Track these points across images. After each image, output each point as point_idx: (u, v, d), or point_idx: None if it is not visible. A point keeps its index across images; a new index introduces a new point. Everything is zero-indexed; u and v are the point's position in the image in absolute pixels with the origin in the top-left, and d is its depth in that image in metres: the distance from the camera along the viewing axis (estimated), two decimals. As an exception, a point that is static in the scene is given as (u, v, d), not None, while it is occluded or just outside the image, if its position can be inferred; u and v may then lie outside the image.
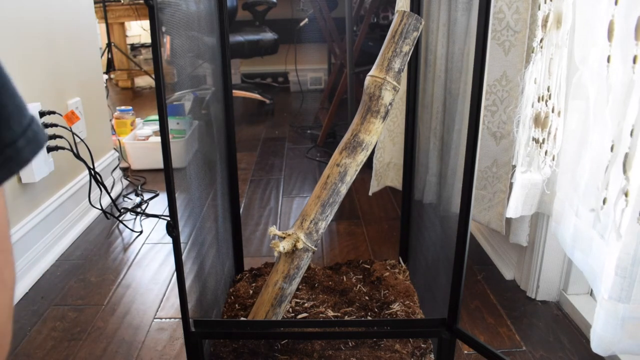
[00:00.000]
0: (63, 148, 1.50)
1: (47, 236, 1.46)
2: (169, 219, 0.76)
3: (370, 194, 1.53)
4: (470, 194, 0.77)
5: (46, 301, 1.27)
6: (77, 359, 1.06)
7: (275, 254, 0.90)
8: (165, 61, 0.72)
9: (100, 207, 1.74)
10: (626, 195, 0.73)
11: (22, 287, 1.31)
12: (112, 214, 1.75)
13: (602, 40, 0.77)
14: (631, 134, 0.71)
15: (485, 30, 0.70)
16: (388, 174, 1.53)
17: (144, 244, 1.57)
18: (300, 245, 0.87)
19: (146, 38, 4.77)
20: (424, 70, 1.23)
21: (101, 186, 1.70)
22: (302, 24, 3.18)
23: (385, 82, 0.87)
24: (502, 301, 1.24)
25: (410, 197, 1.25)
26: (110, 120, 2.24)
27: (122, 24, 3.89)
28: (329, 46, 2.74)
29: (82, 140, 1.61)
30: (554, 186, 1.07)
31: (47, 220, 1.46)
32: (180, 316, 0.85)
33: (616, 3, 0.74)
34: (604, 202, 0.77)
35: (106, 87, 2.71)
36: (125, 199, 1.90)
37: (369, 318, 1.05)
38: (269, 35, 3.19)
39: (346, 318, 1.05)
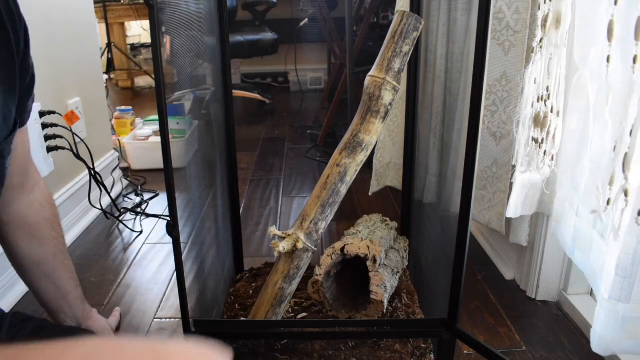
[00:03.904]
0: (63, 148, 1.50)
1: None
2: (169, 219, 0.76)
3: (370, 194, 1.53)
4: (470, 194, 0.78)
5: (46, 301, 1.27)
6: (77, 359, 1.06)
7: (275, 254, 0.90)
8: (165, 61, 0.72)
9: (100, 207, 1.74)
10: (626, 194, 0.73)
11: (22, 287, 1.31)
12: (112, 214, 1.75)
13: (602, 40, 0.77)
14: (631, 134, 0.71)
15: (485, 30, 0.70)
16: (388, 174, 1.53)
17: (144, 244, 1.57)
18: (300, 245, 0.87)
19: (146, 38, 4.77)
20: (424, 70, 1.23)
21: (101, 186, 1.70)
22: (302, 24, 3.18)
23: (385, 82, 0.87)
24: (502, 301, 1.24)
25: (410, 197, 1.25)
26: (110, 120, 2.24)
27: (122, 24, 3.89)
28: (329, 46, 2.74)
29: (82, 140, 1.61)
30: (553, 186, 1.07)
31: (47, 220, 1.46)
32: (180, 316, 0.85)
33: (616, 3, 0.74)
34: (608, 202, 0.77)
35: (106, 87, 2.70)
36: (125, 199, 1.90)
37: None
38: (269, 35, 3.19)
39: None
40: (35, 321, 0.76)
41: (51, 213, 0.88)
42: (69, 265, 0.92)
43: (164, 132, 0.72)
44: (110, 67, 3.95)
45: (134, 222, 1.72)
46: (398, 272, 1.08)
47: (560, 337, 1.11)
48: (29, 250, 0.85)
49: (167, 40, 0.80)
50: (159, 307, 1.24)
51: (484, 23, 0.70)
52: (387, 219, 1.22)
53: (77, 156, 1.55)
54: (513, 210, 1.10)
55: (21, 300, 1.28)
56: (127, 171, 2.16)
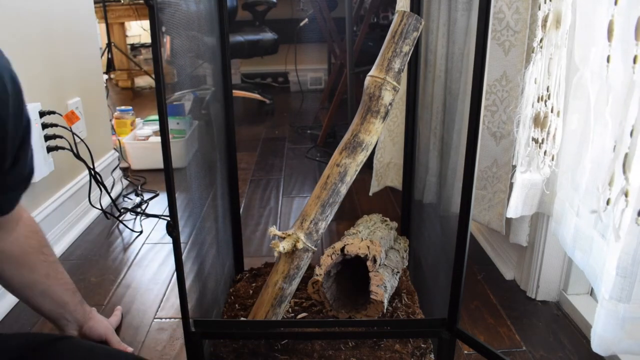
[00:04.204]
0: (63, 148, 1.50)
1: (47, 236, 1.46)
2: (169, 219, 0.76)
3: (370, 194, 1.53)
4: (470, 194, 0.77)
5: (46, 301, 1.27)
6: (77, 359, 1.06)
7: (275, 254, 0.90)
8: (165, 61, 0.72)
9: (100, 207, 1.74)
10: (626, 195, 0.73)
11: (22, 287, 1.31)
12: (112, 214, 1.75)
13: (602, 40, 0.77)
14: (631, 134, 0.71)
15: (485, 30, 0.70)
16: (388, 174, 1.53)
17: (144, 244, 1.57)
18: (300, 245, 0.87)
19: (146, 38, 4.77)
20: (424, 70, 1.23)
21: (101, 186, 1.70)
22: (302, 24, 3.18)
23: (385, 82, 0.87)
24: (502, 301, 1.24)
25: (410, 197, 1.25)
26: (110, 120, 2.24)
27: (122, 24, 3.89)
28: (329, 46, 2.74)
29: (82, 140, 1.61)
30: (554, 186, 1.07)
31: (47, 220, 1.46)
32: (180, 316, 0.85)
33: (616, 3, 0.74)
34: (608, 202, 0.77)
35: (106, 87, 2.71)
36: (125, 199, 1.90)
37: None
38: (269, 35, 3.19)
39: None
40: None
41: (37, 241, 0.89)
42: (63, 279, 0.93)
43: (164, 132, 0.72)
44: (110, 67, 3.95)
45: (134, 222, 1.72)
46: (398, 272, 1.08)
47: (560, 337, 1.11)
48: (19, 277, 0.86)
49: (167, 40, 0.80)
50: (159, 307, 1.24)
51: (484, 23, 0.70)
52: (387, 219, 1.22)
53: (77, 156, 1.55)
54: (513, 210, 1.10)
55: (17, 304, 1.27)
56: (127, 171, 2.16)
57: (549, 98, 0.96)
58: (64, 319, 0.93)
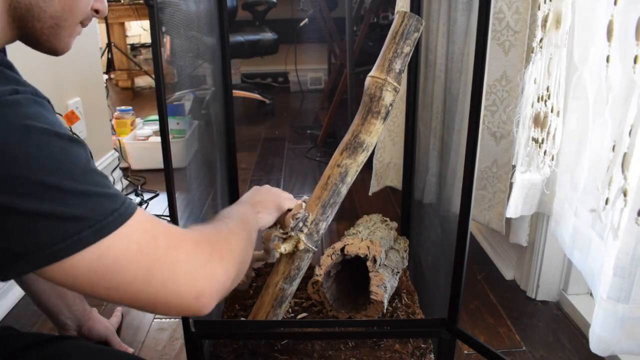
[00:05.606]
0: (63, 148, 1.50)
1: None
2: (168, 219, 0.76)
3: (370, 194, 1.53)
4: (470, 194, 0.78)
5: (46, 301, 1.27)
6: (78, 359, 1.06)
7: (277, 254, 0.90)
8: (165, 61, 0.72)
9: (100, 207, 1.73)
10: (625, 194, 0.73)
11: (17, 292, 1.31)
12: (112, 214, 1.75)
13: (602, 40, 0.77)
14: (630, 134, 0.71)
15: (485, 30, 0.70)
16: (388, 174, 1.53)
17: (144, 244, 1.56)
18: (301, 246, 0.87)
19: (146, 38, 4.76)
20: (424, 70, 1.23)
21: (101, 186, 1.69)
22: (302, 24, 3.18)
23: (386, 82, 0.87)
24: (502, 301, 1.24)
25: (410, 197, 1.25)
26: (110, 120, 2.23)
27: (122, 24, 3.89)
28: (329, 46, 2.74)
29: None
30: (553, 186, 1.07)
31: (47, 220, 1.46)
32: (180, 316, 0.85)
33: (615, 3, 0.74)
34: (607, 202, 0.77)
35: (106, 87, 2.70)
36: (126, 199, 1.90)
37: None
38: (269, 35, 3.19)
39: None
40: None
41: None
42: None
43: (164, 132, 0.72)
44: (110, 67, 3.95)
45: (134, 222, 1.72)
46: (398, 272, 1.08)
47: (560, 337, 1.11)
48: None
49: (167, 40, 0.80)
50: (159, 307, 1.24)
51: (484, 23, 0.70)
52: (387, 219, 1.22)
53: (77, 156, 1.55)
54: (513, 210, 1.10)
55: (21, 300, 1.27)
56: (127, 171, 2.16)
57: (548, 98, 0.96)
58: (62, 313, 0.93)
